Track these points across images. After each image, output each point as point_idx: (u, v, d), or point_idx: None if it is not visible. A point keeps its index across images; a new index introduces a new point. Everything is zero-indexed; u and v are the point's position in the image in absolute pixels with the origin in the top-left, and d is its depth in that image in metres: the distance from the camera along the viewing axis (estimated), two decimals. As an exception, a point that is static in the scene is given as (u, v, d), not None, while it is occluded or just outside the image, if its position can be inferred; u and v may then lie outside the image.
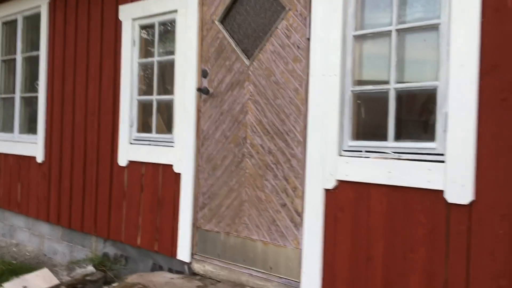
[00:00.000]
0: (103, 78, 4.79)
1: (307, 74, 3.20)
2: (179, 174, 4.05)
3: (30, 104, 5.98)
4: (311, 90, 3.14)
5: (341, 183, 3.02)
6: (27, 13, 5.85)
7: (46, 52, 5.46)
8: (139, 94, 4.49)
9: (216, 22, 3.80)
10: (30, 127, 5.96)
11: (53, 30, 5.39)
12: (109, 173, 4.68)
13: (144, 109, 4.55)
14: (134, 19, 4.46)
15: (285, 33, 3.36)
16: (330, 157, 3.03)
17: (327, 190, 3.07)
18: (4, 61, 6.32)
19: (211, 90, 3.81)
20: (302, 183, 3.23)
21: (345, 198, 3.01)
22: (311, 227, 3.13)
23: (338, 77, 3.01)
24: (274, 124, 3.41)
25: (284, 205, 3.33)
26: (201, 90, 3.80)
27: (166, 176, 4.17)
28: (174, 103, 4.11)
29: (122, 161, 4.53)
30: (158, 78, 4.34)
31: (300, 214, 3.24)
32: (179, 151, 4.03)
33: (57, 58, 5.35)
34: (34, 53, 5.76)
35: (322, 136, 3.08)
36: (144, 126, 4.54)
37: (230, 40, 3.71)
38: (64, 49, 5.25)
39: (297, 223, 3.25)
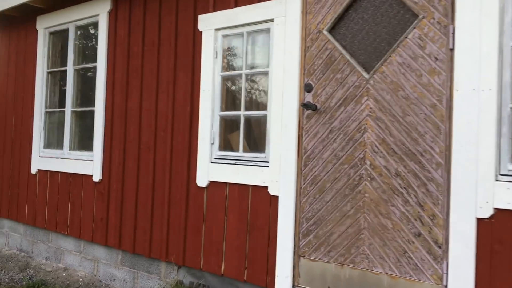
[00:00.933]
0: (177, 92, 4.39)
1: (449, 88, 2.83)
2: (275, 196, 3.64)
3: (82, 119, 5.56)
4: (456, 106, 2.77)
5: (500, 212, 2.63)
6: (81, 23, 5.46)
7: (105, 63, 5.05)
8: (222, 110, 4.09)
9: (325, 32, 3.43)
10: (82, 143, 5.52)
11: (114, 41, 4.99)
12: (185, 194, 4.26)
13: (225, 126, 4.15)
14: (216, 30, 4.08)
15: (418, 43, 2.99)
16: (485, 182, 2.65)
17: (480, 220, 2.68)
18: (50, 73, 5.90)
19: (318, 106, 3.43)
20: (443, 210, 2.83)
21: (504, 229, 2.62)
22: (458, 261, 2.73)
23: (494, 91, 2.65)
24: (403, 144, 3.03)
25: (418, 235, 2.93)
26: (307, 106, 3.42)
27: (258, 199, 3.76)
28: (269, 119, 3.71)
29: (202, 181, 4.12)
30: (246, 92, 3.95)
31: (441, 246, 2.84)
32: (275, 172, 3.63)
33: (118, 70, 4.94)
34: (89, 65, 5.35)
35: (472, 158, 2.70)
36: (225, 144, 4.14)
37: (343, 51, 3.33)
38: (128, 60, 4.85)
39: (437, 256, 2.85)
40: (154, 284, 4.53)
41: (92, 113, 5.28)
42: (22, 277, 5.45)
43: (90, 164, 5.15)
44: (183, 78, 4.34)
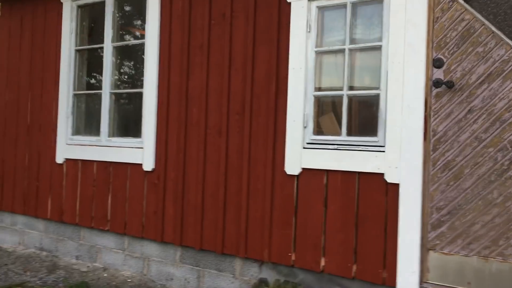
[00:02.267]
0: (256, 70, 3.86)
1: None
2: (393, 184, 3.22)
3: (123, 102, 4.91)
4: None
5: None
6: (121, -5, 4.79)
7: (157, 40, 4.43)
8: (316, 89, 3.61)
9: (460, 1, 3.02)
10: (125, 129, 4.88)
11: (169, 14, 4.38)
12: (269, 183, 3.75)
13: (318, 108, 3.68)
14: (310, 0, 3.59)
15: None
16: None
17: None
18: (78, 51, 5.19)
19: (454, 83, 3.02)
20: None
21: None
22: None
23: None
24: None
25: None
26: (441, 84, 3.00)
27: (369, 187, 3.33)
28: (382, 99, 3.28)
29: (292, 169, 3.63)
30: (350, 69, 3.49)
31: None
32: (392, 157, 3.20)
33: (175, 46, 4.34)
34: (134, 42, 4.71)
35: None
36: (318, 127, 3.67)
37: (486, 23, 2.94)
38: (189, 35, 4.25)
39: None
40: (226, 283, 4.01)
41: (138, 95, 4.65)
42: (54, 279, 4.76)
43: (138, 152, 4.53)
44: (264, 55, 3.82)
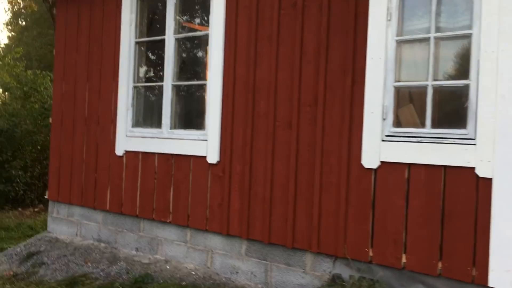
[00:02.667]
0: (330, 61, 3.73)
1: None
2: (486, 179, 3.06)
3: (185, 94, 4.84)
4: None
5: None
6: (183, -14, 4.70)
7: (222, 31, 4.33)
8: (396, 80, 3.46)
9: None
10: (187, 121, 4.82)
11: (235, 5, 4.27)
12: (345, 177, 3.63)
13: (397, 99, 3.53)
14: (391, -14, 3.43)
15: None
16: None
17: None
18: (138, 43, 5.14)
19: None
20: None
21: None
22: None
23: None
24: None
25: None
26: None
27: (457, 181, 3.18)
28: (473, 89, 3.12)
29: (370, 162, 3.50)
30: (435, 59, 3.33)
31: None
32: (485, 150, 3.04)
33: (241, 38, 4.24)
34: (197, 33, 4.63)
35: None
36: (397, 119, 3.52)
37: None
38: (257, 26, 4.14)
39: None
40: (296, 277, 3.91)
41: (201, 87, 4.58)
42: (117, 270, 4.75)
43: (202, 145, 4.45)
44: (339, 45, 3.69)
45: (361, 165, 3.54)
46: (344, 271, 3.66)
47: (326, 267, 3.76)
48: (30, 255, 5.46)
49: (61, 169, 5.78)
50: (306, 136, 3.83)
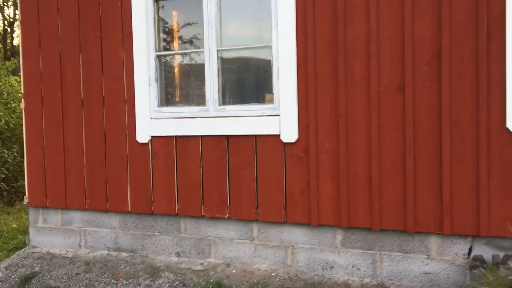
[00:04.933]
0: (454, 9, 3.06)
1: None
2: None
3: (231, 62, 3.84)
4: None
5: None
6: None
7: (293, -21, 3.41)
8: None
9: None
10: (239, 95, 3.84)
11: None
12: (485, 145, 3.05)
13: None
14: None
15: None
16: None
17: None
18: (157, 0, 3.97)
19: None
20: None
21: None
22: None
23: None
24: None
25: None
26: None
27: None
28: None
29: (517, 125, 2.94)
30: None
31: None
32: None
33: (322, -13, 3.36)
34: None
35: None
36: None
37: None
38: (345, -28, 3.30)
39: None
40: (417, 265, 3.29)
41: (260, 51, 3.63)
42: (168, 284, 3.73)
43: (271, 121, 3.55)
44: (465, -10, 3.02)
45: (506, 129, 2.96)
46: (486, 252, 3.10)
47: (459, 249, 3.18)
48: (26, 280, 4.12)
49: (47, 166, 4.41)
50: (426, 102, 3.14)
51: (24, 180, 7.00)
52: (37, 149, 4.41)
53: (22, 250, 4.64)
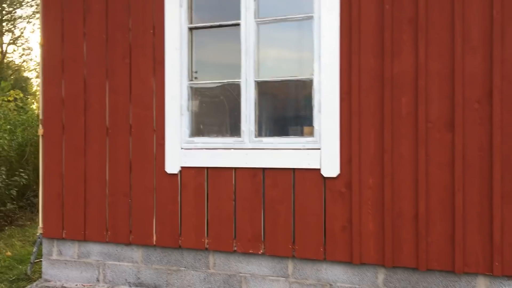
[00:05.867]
0: (507, 46, 3.01)
1: None
2: None
3: (267, 93, 3.72)
4: None
5: None
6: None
7: (337, 12, 3.34)
8: None
9: None
10: (276, 127, 3.71)
11: (355, -20, 3.31)
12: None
13: None
14: None
15: None
16: None
17: None
18: (192, 29, 3.85)
19: None
20: None
21: None
22: None
23: None
24: None
25: None
26: None
27: None
28: None
29: None
30: None
31: None
32: None
33: (366, 20, 3.30)
34: (293, 16, 3.56)
35: None
36: None
37: None
38: (392, 6, 3.24)
39: None
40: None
41: (299, 84, 3.52)
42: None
43: (311, 154, 3.41)
44: (517, 28, 2.97)
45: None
46: (539, 294, 2.97)
47: (508, 291, 3.04)
48: (43, 318, 3.82)
49: (65, 195, 4.17)
50: (475, 139, 3.05)
51: (13, 204, 6.73)
52: (56, 178, 4.18)
53: (35, 283, 4.34)
